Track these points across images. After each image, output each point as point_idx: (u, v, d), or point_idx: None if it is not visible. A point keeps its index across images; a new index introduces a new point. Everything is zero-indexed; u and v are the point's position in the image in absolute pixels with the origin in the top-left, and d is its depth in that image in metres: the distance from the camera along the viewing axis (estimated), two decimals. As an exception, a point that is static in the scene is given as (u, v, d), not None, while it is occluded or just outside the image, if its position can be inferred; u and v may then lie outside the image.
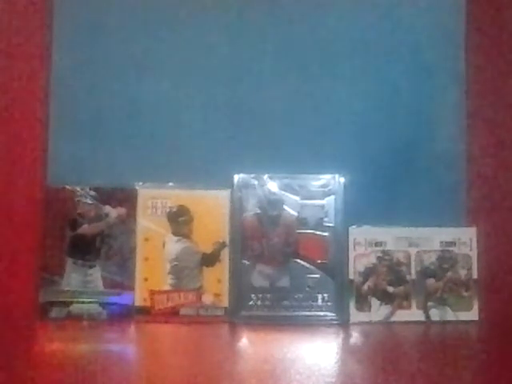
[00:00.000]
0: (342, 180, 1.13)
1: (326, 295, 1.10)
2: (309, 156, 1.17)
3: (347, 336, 1.06)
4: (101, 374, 0.82)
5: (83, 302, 1.09)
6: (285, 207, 1.12)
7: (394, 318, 1.11)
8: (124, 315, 1.09)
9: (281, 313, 1.10)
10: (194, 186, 1.12)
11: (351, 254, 1.12)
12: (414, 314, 1.12)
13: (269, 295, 1.10)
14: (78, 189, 1.11)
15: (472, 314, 1.12)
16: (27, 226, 1.11)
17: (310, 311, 1.10)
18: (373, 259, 1.12)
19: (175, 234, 1.11)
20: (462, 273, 1.13)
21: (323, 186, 1.13)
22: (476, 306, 1.12)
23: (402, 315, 1.11)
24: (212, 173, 1.14)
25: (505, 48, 1.19)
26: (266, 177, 1.12)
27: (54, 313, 1.09)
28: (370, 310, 1.11)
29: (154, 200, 1.12)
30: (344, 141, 1.19)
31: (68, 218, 1.11)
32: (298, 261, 1.11)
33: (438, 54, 1.21)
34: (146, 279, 1.10)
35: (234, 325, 1.08)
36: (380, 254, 1.12)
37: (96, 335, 1.04)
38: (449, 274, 1.13)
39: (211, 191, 1.12)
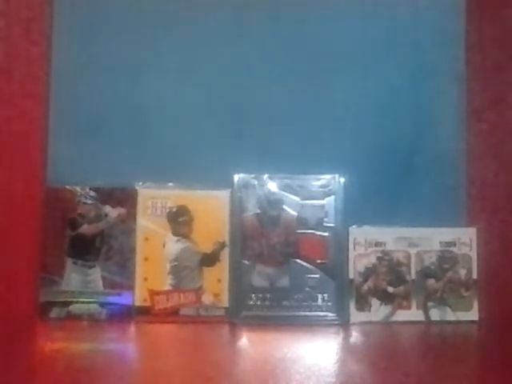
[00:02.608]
0: (342, 180, 1.13)
1: (325, 295, 1.10)
2: (309, 156, 1.17)
3: (347, 336, 1.06)
4: (101, 373, 0.82)
5: (83, 302, 1.09)
6: (285, 207, 1.12)
7: (393, 318, 1.11)
8: (124, 315, 1.09)
9: (281, 313, 1.10)
10: (194, 186, 1.12)
11: (351, 254, 1.12)
12: (413, 313, 1.12)
13: (269, 295, 1.10)
14: (78, 189, 1.11)
15: (472, 314, 1.12)
16: (27, 226, 1.11)
17: (310, 311, 1.10)
18: (373, 259, 1.12)
19: (175, 234, 1.11)
20: (462, 273, 1.13)
21: (323, 186, 1.13)
22: (476, 306, 1.12)
23: (402, 315, 1.11)
24: (212, 173, 1.14)
25: (505, 48, 1.19)
26: (265, 177, 1.12)
27: (54, 313, 1.09)
28: (370, 310, 1.11)
29: (154, 200, 1.12)
30: (344, 141, 1.19)
31: (68, 218, 1.11)
32: (298, 261, 1.11)
33: (437, 53, 1.21)
34: (145, 279, 1.10)
35: (234, 325, 1.08)
36: (380, 254, 1.12)
37: (96, 335, 1.04)
38: (449, 274, 1.13)
39: (211, 191, 1.12)
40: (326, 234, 1.11)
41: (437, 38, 1.22)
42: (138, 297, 1.09)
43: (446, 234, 1.13)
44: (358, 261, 1.12)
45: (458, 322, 1.11)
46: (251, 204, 1.12)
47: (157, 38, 1.19)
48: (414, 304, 1.12)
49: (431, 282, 1.13)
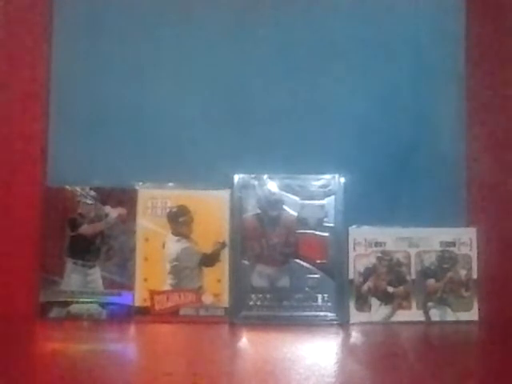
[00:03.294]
0: (342, 180, 1.13)
1: (325, 295, 1.10)
2: (309, 156, 1.17)
3: (347, 336, 1.06)
4: (101, 373, 0.82)
5: (83, 302, 1.09)
6: (285, 207, 1.12)
7: (393, 318, 1.11)
8: (124, 315, 1.09)
9: (281, 313, 1.10)
10: (194, 186, 1.12)
11: (351, 254, 1.12)
12: (414, 314, 1.12)
13: (269, 295, 1.10)
14: (78, 189, 1.11)
15: (472, 314, 1.12)
16: (27, 226, 1.11)
17: (310, 311, 1.10)
18: (373, 259, 1.12)
19: (175, 234, 1.11)
20: (462, 273, 1.13)
21: (323, 186, 1.13)
22: (476, 306, 1.12)
23: (402, 315, 1.11)
24: (212, 173, 1.14)
25: (504, 48, 1.19)
26: (265, 177, 1.12)
27: (54, 313, 1.09)
28: (370, 310, 1.11)
29: (154, 200, 1.12)
30: (344, 141, 1.19)
31: (68, 218, 1.11)
32: (298, 261, 1.11)
33: (438, 53, 1.21)
34: (145, 279, 1.10)
35: (234, 325, 1.08)
36: (380, 255, 1.12)
37: (96, 335, 1.04)
38: (449, 274, 1.13)
39: (211, 191, 1.12)
40: (326, 234, 1.11)
41: (437, 37, 1.22)
42: (138, 297, 1.09)
43: (446, 233, 1.13)
44: (358, 261, 1.12)
45: (458, 322, 1.11)
46: (251, 204, 1.12)
47: (157, 38, 1.19)
48: (413, 304, 1.12)
49: (431, 282, 1.13)
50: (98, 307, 1.09)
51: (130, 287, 1.10)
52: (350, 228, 1.12)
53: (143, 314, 1.09)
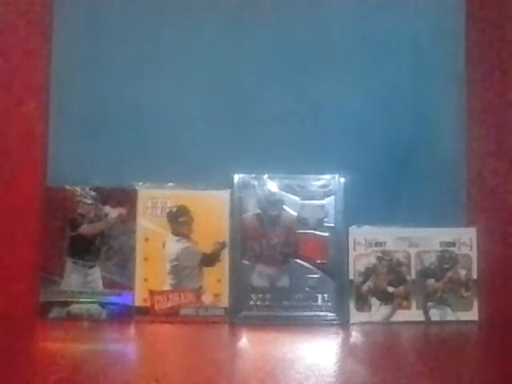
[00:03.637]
0: (342, 180, 1.13)
1: (326, 295, 1.10)
2: (309, 156, 1.17)
3: (347, 336, 1.06)
4: (101, 373, 0.82)
5: (83, 302, 1.09)
6: (285, 207, 1.12)
7: (393, 318, 1.11)
8: (124, 315, 1.09)
9: (281, 313, 1.10)
10: (194, 186, 1.12)
11: (351, 254, 1.12)
12: (414, 314, 1.12)
13: (269, 295, 1.10)
14: (78, 189, 1.11)
15: (472, 314, 1.12)
16: (27, 226, 1.11)
17: (310, 311, 1.10)
18: (373, 259, 1.12)
19: (175, 234, 1.11)
20: (462, 273, 1.13)
21: (323, 186, 1.13)
22: (476, 306, 1.12)
23: (402, 315, 1.11)
24: (212, 173, 1.13)
25: (505, 48, 1.19)
26: (266, 177, 1.12)
27: (54, 313, 1.09)
28: (370, 310, 1.11)
29: (154, 200, 1.12)
30: (344, 141, 1.19)
31: (68, 218, 1.11)
32: (298, 261, 1.11)
33: (438, 53, 1.21)
34: (145, 279, 1.10)
35: (234, 325, 1.08)
36: (380, 254, 1.12)
37: (96, 335, 1.04)
38: (449, 274, 1.13)
39: (211, 191, 1.12)
40: (326, 234, 1.11)
41: (437, 37, 1.22)
42: (138, 297, 1.09)
43: (446, 233, 1.13)
44: (358, 261, 1.12)
45: (458, 322, 1.11)
46: (251, 204, 1.12)
47: (157, 38, 1.19)
48: (413, 304, 1.12)
49: (431, 281, 1.13)
50: (98, 307, 1.09)
51: (130, 287, 1.10)
52: (350, 228, 1.12)
53: (143, 313, 1.09)
